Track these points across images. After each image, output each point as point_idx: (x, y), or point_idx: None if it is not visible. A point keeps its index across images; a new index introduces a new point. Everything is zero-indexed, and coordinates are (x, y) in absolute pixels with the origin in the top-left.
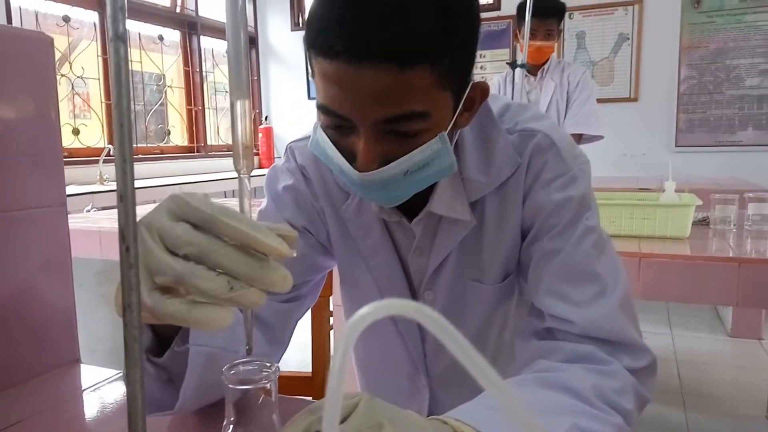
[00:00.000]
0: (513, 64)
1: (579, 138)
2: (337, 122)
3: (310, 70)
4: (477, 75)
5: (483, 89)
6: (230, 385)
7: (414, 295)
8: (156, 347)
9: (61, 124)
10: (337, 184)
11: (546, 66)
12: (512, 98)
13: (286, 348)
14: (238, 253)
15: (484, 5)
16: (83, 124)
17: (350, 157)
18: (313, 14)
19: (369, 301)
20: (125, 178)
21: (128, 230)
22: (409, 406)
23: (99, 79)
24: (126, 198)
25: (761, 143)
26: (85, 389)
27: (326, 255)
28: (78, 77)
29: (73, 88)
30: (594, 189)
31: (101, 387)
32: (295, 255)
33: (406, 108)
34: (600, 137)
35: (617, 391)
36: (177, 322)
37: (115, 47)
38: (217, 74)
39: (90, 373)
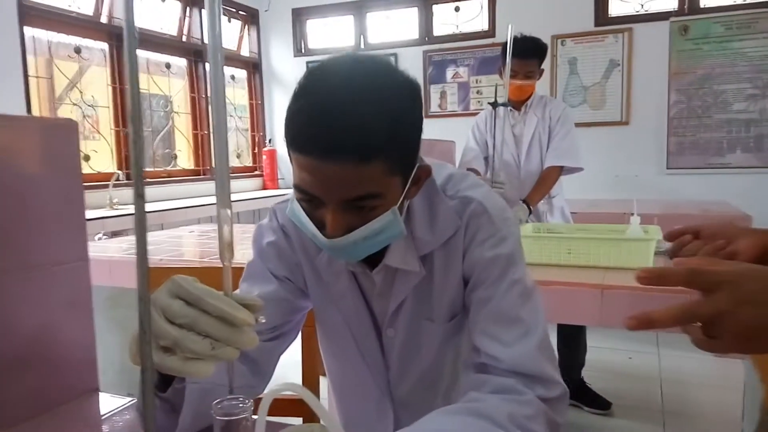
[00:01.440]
0: (495, 104)
1: (560, 170)
2: (309, 198)
3: (287, 155)
4: (473, 100)
5: (426, 170)
6: (218, 417)
7: (378, 331)
8: (161, 384)
9: None
10: (311, 240)
11: (529, 102)
12: (495, 133)
13: (270, 378)
14: (217, 323)
15: (479, 32)
16: (93, 150)
17: (320, 224)
18: (290, 119)
19: (340, 337)
20: (143, 283)
21: (146, 320)
22: (377, 426)
23: (109, 107)
24: (144, 299)
25: (749, 165)
26: (104, 415)
27: (303, 298)
28: (89, 106)
29: (84, 116)
30: (583, 214)
31: (118, 414)
32: (263, 321)
33: (364, 191)
34: (580, 169)
35: (529, 418)
36: (174, 373)
37: (137, 206)
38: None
39: (107, 401)
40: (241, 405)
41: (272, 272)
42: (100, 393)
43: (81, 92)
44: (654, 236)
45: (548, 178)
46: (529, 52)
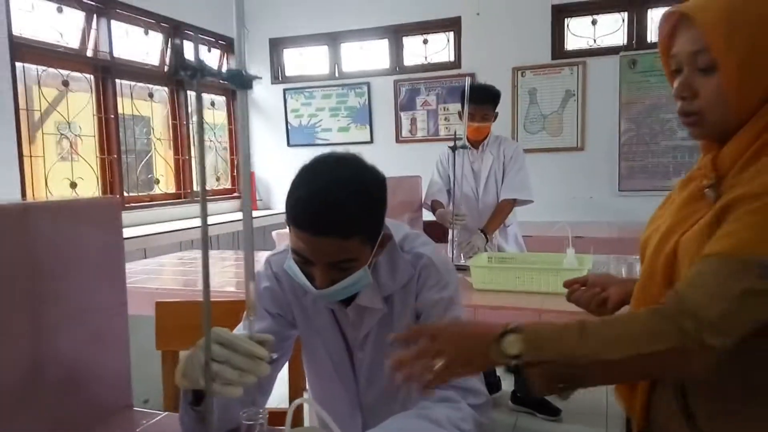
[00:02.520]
0: (454, 148)
1: (514, 202)
2: (303, 260)
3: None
4: (442, 126)
5: (388, 236)
6: (244, 422)
7: (350, 354)
8: (195, 400)
9: (59, 180)
10: (302, 287)
11: (486, 141)
12: (454, 171)
13: (271, 392)
14: (244, 359)
15: (446, 63)
16: (80, 177)
17: (310, 277)
18: (291, 204)
19: (321, 359)
20: (208, 342)
21: (209, 367)
22: (348, 429)
23: (94, 136)
24: (208, 350)
25: None
26: (138, 429)
27: (293, 329)
28: (76, 135)
29: (72, 146)
30: (537, 238)
31: (151, 426)
32: (274, 356)
33: (344, 257)
34: (531, 201)
35: (461, 419)
36: (216, 395)
37: (205, 299)
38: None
39: (140, 416)
40: (257, 413)
41: (267, 311)
42: (133, 408)
43: (69, 122)
44: (586, 266)
45: (503, 209)
46: (484, 98)
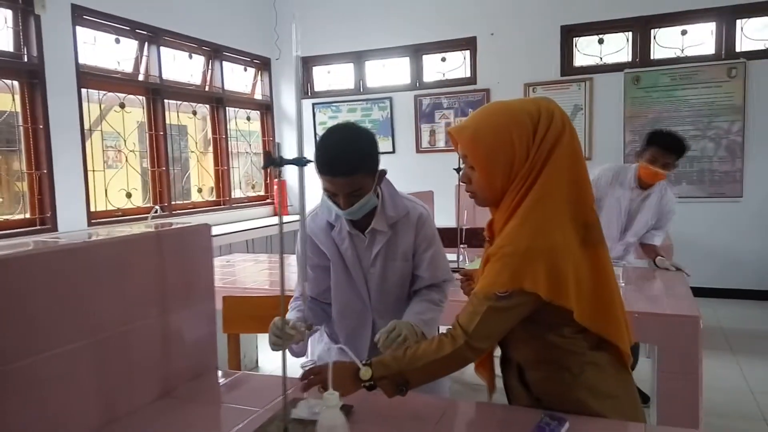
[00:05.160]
0: (458, 169)
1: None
2: (330, 194)
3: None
4: None
5: (383, 172)
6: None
7: (364, 270)
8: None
9: (116, 191)
10: (325, 227)
11: (653, 187)
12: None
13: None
14: (286, 334)
15: (462, 79)
16: (133, 188)
17: (336, 204)
18: (317, 157)
19: (342, 274)
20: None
21: (284, 334)
22: (360, 328)
23: (146, 150)
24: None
25: (692, 195)
26: (222, 383)
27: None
28: (131, 151)
29: (125, 159)
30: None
31: (229, 381)
32: (309, 329)
33: (355, 188)
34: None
35: (441, 300)
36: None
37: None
38: (236, 124)
39: (222, 374)
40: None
41: (313, 260)
42: (217, 369)
43: (125, 138)
44: None
45: (650, 251)
46: (673, 149)
